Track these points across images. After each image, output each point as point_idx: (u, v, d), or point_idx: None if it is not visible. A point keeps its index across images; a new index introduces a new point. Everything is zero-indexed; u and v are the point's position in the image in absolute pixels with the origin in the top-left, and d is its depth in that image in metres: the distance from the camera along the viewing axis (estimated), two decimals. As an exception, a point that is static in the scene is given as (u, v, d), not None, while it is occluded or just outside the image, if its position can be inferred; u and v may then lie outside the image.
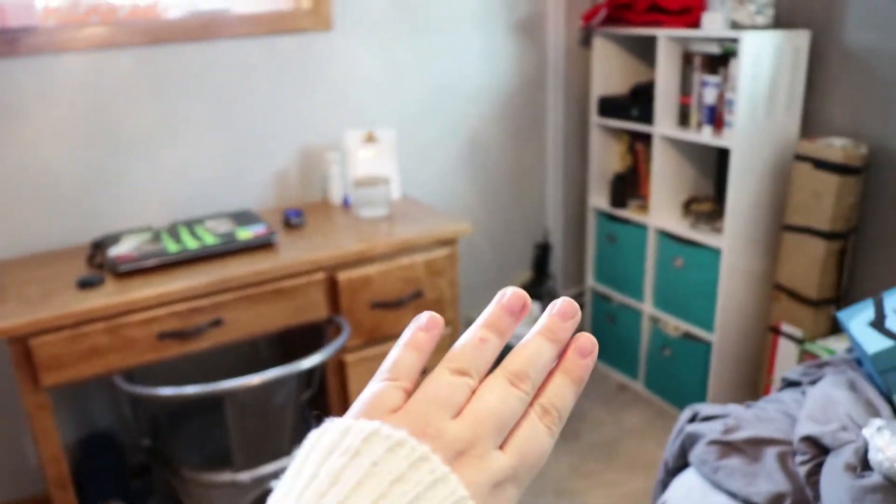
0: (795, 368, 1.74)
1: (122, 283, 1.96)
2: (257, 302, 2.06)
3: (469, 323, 2.75)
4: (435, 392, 0.36)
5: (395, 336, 2.33)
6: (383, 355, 1.91)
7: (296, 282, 2.10)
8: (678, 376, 2.95)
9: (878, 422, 1.30)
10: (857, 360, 1.70)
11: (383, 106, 2.75)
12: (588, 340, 0.40)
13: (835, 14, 2.58)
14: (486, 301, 2.52)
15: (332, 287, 2.17)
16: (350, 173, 2.56)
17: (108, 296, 1.89)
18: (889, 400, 1.50)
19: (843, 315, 1.73)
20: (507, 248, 3.18)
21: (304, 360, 1.88)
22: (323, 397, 2.27)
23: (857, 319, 1.65)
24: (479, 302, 3.11)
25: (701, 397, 2.85)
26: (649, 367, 3.10)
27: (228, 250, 2.12)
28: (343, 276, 2.16)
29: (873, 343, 1.52)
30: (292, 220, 2.37)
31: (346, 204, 2.60)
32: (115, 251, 2.06)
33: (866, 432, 1.29)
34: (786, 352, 2.72)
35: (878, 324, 1.59)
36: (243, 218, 2.32)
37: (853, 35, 2.55)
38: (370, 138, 2.59)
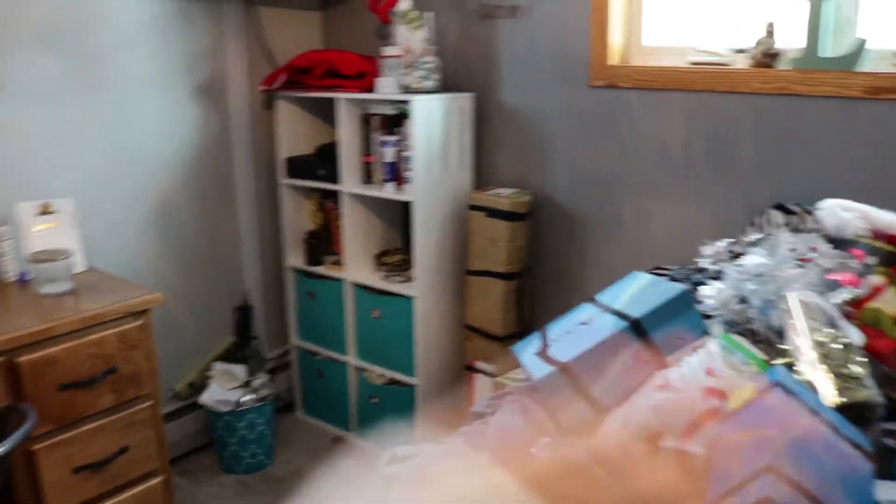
0: (482, 401, 1.88)
1: None
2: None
3: (176, 396, 2.63)
4: None
5: (91, 417, 2.19)
6: (79, 439, 1.76)
7: (-32, 371, 1.90)
8: (388, 422, 3.05)
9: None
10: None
11: (59, 176, 2.57)
12: None
13: (492, 80, 2.88)
14: (190, 370, 2.43)
15: (13, 372, 1.99)
16: (25, 248, 2.39)
17: None
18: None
19: (517, 348, 1.91)
20: (208, 315, 3.10)
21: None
22: (10, 494, 2.07)
23: (528, 351, 1.83)
24: (183, 372, 3.00)
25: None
26: (360, 416, 3.17)
27: None
28: (24, 359, 1.98)
29: (539, 370, 1.69)
30: (-41, 305, 2.14)
31: (22, 281, 2.40)
32: None
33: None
34: (483, 387, 2.92)
35: (543, 353, 1.78)
36: None
37: (507, 97, 2.85)
38: (46, 210, 2.44)
